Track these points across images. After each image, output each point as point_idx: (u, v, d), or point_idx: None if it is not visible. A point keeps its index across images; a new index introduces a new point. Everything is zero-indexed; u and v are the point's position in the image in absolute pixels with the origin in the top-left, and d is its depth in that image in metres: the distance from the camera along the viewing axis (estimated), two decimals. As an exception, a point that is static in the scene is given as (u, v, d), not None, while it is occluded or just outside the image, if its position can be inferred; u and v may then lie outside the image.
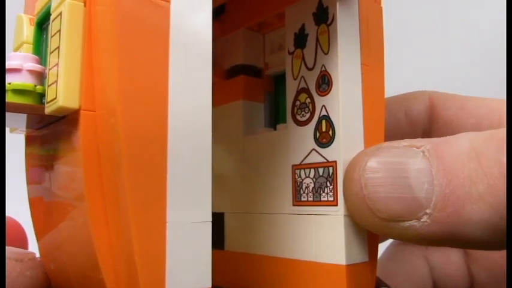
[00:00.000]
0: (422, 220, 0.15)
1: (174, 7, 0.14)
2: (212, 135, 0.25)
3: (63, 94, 0.13)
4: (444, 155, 0.16)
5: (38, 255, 0.19)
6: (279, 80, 0.23)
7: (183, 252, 0.13)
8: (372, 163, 0.17)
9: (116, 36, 0.13)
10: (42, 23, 0.17)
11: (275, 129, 0.21)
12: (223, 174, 0.24)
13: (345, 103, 0.18)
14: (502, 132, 0.16)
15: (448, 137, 0.17)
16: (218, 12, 0.24)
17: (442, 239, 0.16)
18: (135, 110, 0.13)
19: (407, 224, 0.16)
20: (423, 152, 0.16)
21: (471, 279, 0.26)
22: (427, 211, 0.15)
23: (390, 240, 0.28)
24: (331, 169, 0.18)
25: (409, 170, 0.16)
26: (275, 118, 0.23)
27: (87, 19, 0.14)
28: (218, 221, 0.23)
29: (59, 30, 0.14)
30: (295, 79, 0.20)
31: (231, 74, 0.24)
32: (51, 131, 0.16)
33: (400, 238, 0.17)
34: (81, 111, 0.14)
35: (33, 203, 0.19)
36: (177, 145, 0.14)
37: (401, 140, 0.17)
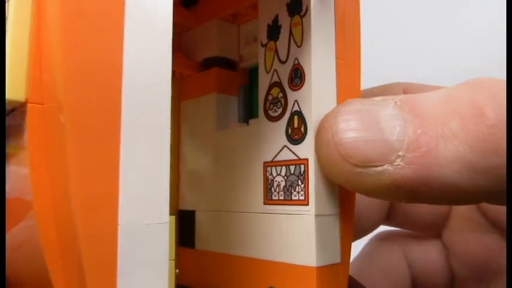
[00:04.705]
0: (395, 163, 0.15)
1: (130, -6, 0.13)
2: (184, 129, 0.24)
3: (8, 86, 0.12)
4: (416, 102, 0.16)
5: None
6: (254, 73, 0.22)
7: (136, 257, 0.12)
8: (343, 112, 0.16)
9: (63, 24, 0.12)
10: None
11: (248, 124, 0.21)
12: (195, 170, 0.23)
13: (317, 98, 0.18)
14: (474, 79, 0.16)
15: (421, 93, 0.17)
16: (191, 2, 0.23)
17: (417, 184, 0.15)
18: (84, 104, 0.12)
19: (380, 168, 0.15)
20: (395, 102, 0.16)
21: (451, 275, 0.25)
22: (400, 153, 0.15)
23: (366, 239, 0.27)
24: (302, 167, 0.18)
25: (380, 115, 0.16)
26: (249, 112, 0.23)
27: (36, 6, 0.13)
28: (189, 219, 0.23)
29: (7, 20, 0.13)
30: (267, 72, 0.19)
31: (204, 66, 0.23)
32: (7, 124, 0.15)
33: (375, 187, 0.16)
34: (28, 105, 0.13)
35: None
36: (131, 141, 0.13)
37: (374, 97, 0.17)
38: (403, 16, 0.51)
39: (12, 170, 0.15)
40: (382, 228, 0.27)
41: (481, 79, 0.16)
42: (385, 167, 0.15)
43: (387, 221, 0.26)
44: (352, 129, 0.16)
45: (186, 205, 0.23)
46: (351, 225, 0.18)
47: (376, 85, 0.23)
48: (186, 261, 0.23)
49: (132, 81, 0.13)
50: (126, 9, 0.13)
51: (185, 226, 0.23)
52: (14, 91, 0.12)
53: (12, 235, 0.16)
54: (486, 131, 0.14)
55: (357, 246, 0.26)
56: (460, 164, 0.14)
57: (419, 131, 0.15)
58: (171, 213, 0.14)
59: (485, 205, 0.24)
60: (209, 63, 0.23)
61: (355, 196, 0.19)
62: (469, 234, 0.24)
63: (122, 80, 0.13)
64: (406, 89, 0.23)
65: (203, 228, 0.22)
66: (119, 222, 0.12)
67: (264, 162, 0.19)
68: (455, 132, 0.15)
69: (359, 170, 0.15)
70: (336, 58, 0.18)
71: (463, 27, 0.48)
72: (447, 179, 0.15)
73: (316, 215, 0.17)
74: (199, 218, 0.22)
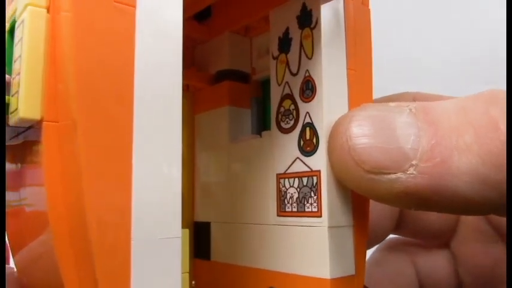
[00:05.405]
0: (408, 172, 0.15)
1: (140, 12, 0.13)
2: (198, 142, 0.24)
3: (23, 105, 0.13)
4: (431, 111, 0.16)
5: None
6: (267, 85, 0.22)
7: (149, 271, 0.13)
8: (358, 116, 0.16)
9: (75, 43, 0.12)
10: (13, 30, 0.16)
11: (261, 136, 0.21)
12: (209, 182, 0.23)
13: (328, 110, 0.18)
14: (489, 91, 0.16)
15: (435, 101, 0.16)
16: (204, 16, 0.23)
17: (429, 193, 0.15)
18: (97, 121, 0.12)
19: (393, 176, 0.15)
20: (410, 109, 0.16)
21: (458, 283, 0.25)
22: (413, 162, 0.15)
23: (374, 247, 0.27)
24: (315, 179, 0.18)
25: (395, 122, 0.16)
26: (263, 124, 0.23)
27: (50, 26, 0.13)
28: (204, 230, 0.23)
29: (21, 39, 0.13)
30: (279, 85, 0.20)
31: (217, 79, 0.23)
32: (21, 140, 0.16)
33: (386, 194, 0.16)
34: (44, 123, 0.13)
35: (10, 214, 0.18)
36: (144, 156, 0.13)
37: (388, 102, 0.17)
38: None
39: (36, 184, 0.16)
40: (390, 236, 0.27)
41: (496, 91, 0.16)
42: (398, 174, 0.15)
43: (397, 230, 0.26)
44: (366, 135, 0.16)
45: (202, 217, 0.23)
46: (365, 236, 0.18)
47: (380, 82, 0.23)
48: (202, 273, 0.23)
49: (143, 97, 0.13)
50: (136, 24, 0.13)
51: (201, 238, 0.23)
52: (30, 109, 0.13)
53: (33, 247, 0.17)
54: (500, 146, 0.14)
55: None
56: (472, 176, 0.14)
57: (433, 141, 0.15)
58: (185, 226, 0.14)
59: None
60: (222, 76, 0.23)
61: (369, 207, 0.19)
62: (476, 243, 0.24)
63: (133, 97, 0.13)
64: (417, 98, 0.23)
65: (218, 239, 0.22)
66: (132, 237, 0.13)
67: (277, 174, 0.19)
68: (470, 145, 0.15)
69: (372, 176, 0.15)
70: (347, 69, 0.18)
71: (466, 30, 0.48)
72: (458, 189, 0.15)
73: (330, 227, 0.17)
74: (215, 229, 0.22)
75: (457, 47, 0.48)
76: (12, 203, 0.18)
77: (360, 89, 0.19)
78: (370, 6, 0.20)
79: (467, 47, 0.47)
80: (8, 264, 0.19)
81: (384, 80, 0.26)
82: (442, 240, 0.26)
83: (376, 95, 0.23)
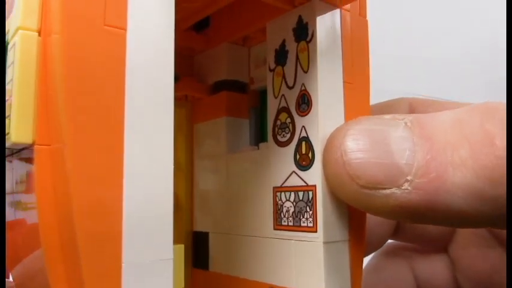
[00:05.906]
0: (403, 188, 0.15)
1: (131, 35, 0.13)
2: (197, 151, 0.24)
3: (15, 130, 0.13)
4: (426, 124, 0.16)
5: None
6: (265, 95, 0.22)
7: (140, 294, 0.13)
8: (353, 130, 0.16)
9: (66, 65, 0.12)
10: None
11: (259, 148, 0.21)
12: (207, 192, 0.23)
13: (324, 125, 0.17)
14: (485, 103, 0.16)
15: (431, 113, 0.16)
16: (202, 26, 0.23)
17: (423, 209, 0.15)
18: (87, 146, 0.12)
19: (387, 191, 0.15)
20: (405, 122, 0.16)
21: None
22: (408, 178, 0.15)
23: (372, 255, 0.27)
24: (310, 193, 0.18)
25: (390, 137, 0.16)
26: (261, 135, 0.23)
27: (42, 49, 0.13)
28: (203, 240, 0.23)
29: (13, 62, 0.13)
30: (275, 97, 0.20)
31: (215, 89, 0.23)
32: (18, 158, 0.16)
33: (381, 209, 0.16)
34: (35, 146, 0.13)
35: (9, 227, 0.18)
36: (134, 180, 0.13)
37: (383, 115, 0.17)
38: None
39: (30, 201, 0.16)
40: (387, 241, 0.27)
41: (492, 103, 0.16)
42: (392, 190, 0.15)
43: (395, 235, 0.26)
44: (361, 149, 0.16)
45: (201, 226, 0.23)
46: (362, 250, 0.18)
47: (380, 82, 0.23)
48: (200, 282, 0.23)
49: (134, 121, 0.13)
50: (127, 47, 0.13)
51: (199, 248, 0.23)
52: (21, 134, 0.13)
53: (29, 262, 0.17)
54: (495, 161, 0.14)
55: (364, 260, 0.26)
56: (466, 191, 0.14)
57: (428, 157, 0.15)
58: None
59: None
60: (220, 86, 0.23)
61: (366, 222, 0.18)
62: (474, 248, 0.24)
63: (124, 120, 0.13)
64: (413, 104, 0.23)
65: (216, 250, 0.22)
66: (123, 260, 0.13)
67: (274, 187, 0.19)
68: (465, 160, 0.15)
69: (366, 191, 0.15)
70: (344, 82, 0.18)
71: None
72: (453, 204, 0.15)
73: (325, 242, 0.17)
74: (213, 240, 0.22)
75: (458, 46, 0.47)
76: (10, 215, 0.18)
77: (356, 103, 0.19)
78: (368, 17, 0.20)
79: (469, 46, 0.47)
80: (8, 278, 0.19)
81: (383, 80, 0.26)
82: (440, 245, 0.26)
83: (375, 95, 0.23)
